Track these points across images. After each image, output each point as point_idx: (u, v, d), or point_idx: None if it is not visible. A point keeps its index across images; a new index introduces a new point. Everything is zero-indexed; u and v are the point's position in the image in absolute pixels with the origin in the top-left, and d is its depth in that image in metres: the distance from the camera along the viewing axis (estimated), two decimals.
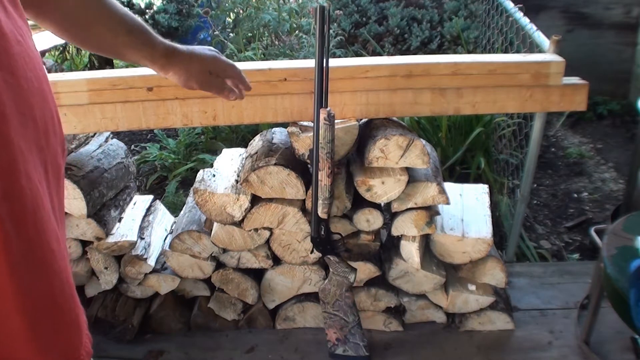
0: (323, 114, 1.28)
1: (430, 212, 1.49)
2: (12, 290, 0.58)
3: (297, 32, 3.34)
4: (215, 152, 2.50)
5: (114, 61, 4.35)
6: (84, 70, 4.07)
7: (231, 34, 3.67)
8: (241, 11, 3.73)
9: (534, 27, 1.84)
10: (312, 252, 1.50)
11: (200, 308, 1.70)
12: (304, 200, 1.48)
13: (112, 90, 1.39)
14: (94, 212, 1.54)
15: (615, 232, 1.39)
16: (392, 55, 3.18)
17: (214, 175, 1.57)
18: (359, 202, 1.49)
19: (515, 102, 1.44)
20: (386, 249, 1.65)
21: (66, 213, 1.52)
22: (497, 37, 2.55)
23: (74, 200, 1.48)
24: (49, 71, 3.23)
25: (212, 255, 1.59)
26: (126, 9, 0.96)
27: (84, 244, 1.61)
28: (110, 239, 1.59)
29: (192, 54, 1.07)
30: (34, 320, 0.61)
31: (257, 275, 1.65)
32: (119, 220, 1.67)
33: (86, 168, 1.54)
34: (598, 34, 3.48)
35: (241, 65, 1.45)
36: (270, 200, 1.49)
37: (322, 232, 1.42)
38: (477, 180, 2.44)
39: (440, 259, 1.58)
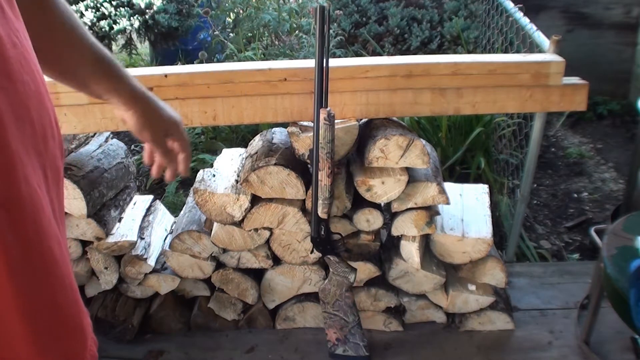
0: (323, 114, 1.28)
1: (430, 212, 1.49)
2: (12, 298, 0.57)
3: (297, 32, 3.34)
4: (215, 152, 2.50)
5: None
6: None
7: (231, 34, 3.66)
8: (241, 11, 3.73)
9: (534, 27, 1.84)
10: (312, 252, 1.50)
11: (200, 308, 1.70)
12: (304, 200, 1.48)
13: None
14: (94, 212, 1.54)
15: (615, 232, 1.39)
16: (392, 55, 3.18)
17: (214, 175, 1.57)
18: (359, 202, 1.49)
19: (515, 102, 1.44)
20: (386, 249, 1.65)
21: (66, 213, 1.52)
22: (497, 37, 2.55)
23: (74, 200, 1.48)
24: None
25: (212, 255, 1.59)
26: (96, 40, 0.89)
27: (84, 244, 1.61)
28: (110, 239, 1.59)
29: (160, 107, 0.98)
30: (36, 327, 0.61)
31: (257, 275, 1.65)
32: (119, 220, 1.67)
33: (86, 168, 1.54)
34: (598, 34, 3.47)
35: (241, 65, 1.46)
36: (270, 200, 1.49)
37: (322, 232, 1.42)
38: (477, 180, 2.44)
39: (440, 259, 1.58)
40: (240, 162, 1.65)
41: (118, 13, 3.59)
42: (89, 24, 3.54)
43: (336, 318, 1.51)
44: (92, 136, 1.73)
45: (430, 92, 1.42)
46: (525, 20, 1.98)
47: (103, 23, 3.56)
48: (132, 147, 3.08)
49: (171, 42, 3.94)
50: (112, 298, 1.67)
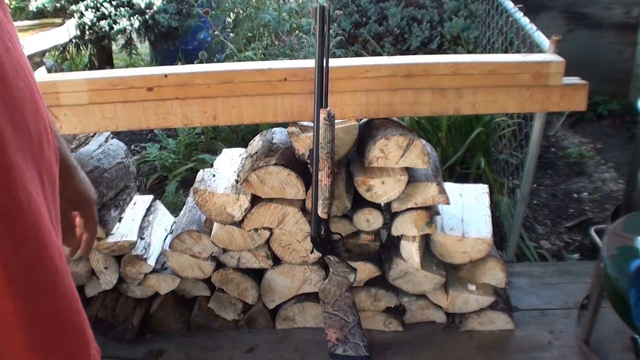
0: (323, 114, 1.28)
1: (430, 212, 1.49)
2: (14, 311, 0.56)
3: (297, 32, 3.34)
4: (215, 152, 2.50)
5: (114, 61, 4.36)
6: (84, 70, 4.07)
7: (231, 34, 3.66)
8: (241, 11, 3.73)
9: (534, 27, 1.84)
10: (312, 252, 1.50)
11: (200, 308, 1.70)
12: (304, 200, 1.48)
13: (112, 90, 1.39)
14: None
15: (615, 232, 1.39)
16: (392, 55, 3.18)
17: (214, 175, 1.57)
18: (359, 202, 1.49)
19: (515, 102, 1.44)
20: (386, 249, 1.65)
21: None
22: (497, 37, 2.55)
23: None
24: (49, 71, 3.24)
25: (212, 255, 1.59)
26: None
27: None
28: (110, 239, 1.59)
29: (76, 179, 0.86)
30: (38, 338, 0.59)
31: (257, 275, 1.65)
32: (119, 220, 1.67)
33: (86, 168, 1.54)
34: (598, 34, 3.47)
35: (241, 65, 1.46)
36: (270, 200, 1.49)
37: (322, 232, 1.42)
38: (477, 180, 2.44)
39: (440, 259, 1.58)
40: (240, 162, 1.65)
41: (118, 13, 3.59)
42: (89, 24, 3.54)
43: (336, 318, 1.51)
44: (92, 136, 1.73)
45: (430, 92, 1.42)
46: (525, 20, 1.98)
47: (103, 23, 3.55)
48: (132, 147, 3.09)
49: (171, 42, 3.94)
50: (112, 298, 1.67)
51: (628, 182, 2.09)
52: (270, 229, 1.53)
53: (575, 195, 2.64)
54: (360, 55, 3.22)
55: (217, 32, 3.27)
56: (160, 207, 1.87)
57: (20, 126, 0.58)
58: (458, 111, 1.46)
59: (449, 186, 1.63)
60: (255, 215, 1.49)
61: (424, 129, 2.62)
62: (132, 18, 3.62)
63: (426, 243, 1.58)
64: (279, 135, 1.59)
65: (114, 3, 3.60)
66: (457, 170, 2.56)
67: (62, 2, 3.58)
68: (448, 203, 1.48)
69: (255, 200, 1.50)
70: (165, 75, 1.38)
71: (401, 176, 1.42)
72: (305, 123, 1.46)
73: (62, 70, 3.72)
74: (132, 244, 1.60)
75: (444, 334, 1.66)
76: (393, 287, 1.63)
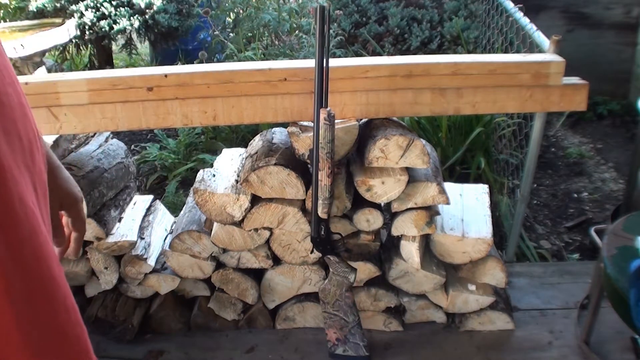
0: (323, 114, 1.28)
1: (430, 212, 1.49)
2: (14, 325, 0.54)
3: (297, 32, 3.34)
4: (215, 152, 2.50)
5: (114, 61, 4.36)
6: (84, 70, 4.07)
7: (231, 34, 3.67)
8: (241, 11, 3.73)
9: (534, 27, 1.84)
10: (312, 252, 1.50)
11: (200, 308, 1.70)
12: (304, 200, 1.48)
13: (112, 90, 1.39)
14: (94, 212, 1.54)
15: (615, 232, 1.39)
16: (392, 55, 3.18)
17: (214, 175, 1.57)
18: (359, 202, 1.49)
19: (515, 102, 1.44)
20: (386, 249, 1.65)
21: None
22: (497, 37, 2.55)
23: None
24: (49, 71, 3.24)
25: (212, 255, 1.59)
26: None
27: (84, 243, 1.60)
28: (110, 239, 1.59)
29: (60, 177, 0.84)
30: (39, 351, 0.58)
31: (257, 275, 1.65)
32: (119, 220, 1.67)
33: (86, 168, 1.54)
34: (598, 34, 3.47)
35: (241, 65, 1.46)
36: (270, 200, 1.49)
37: (322, 232, 1.42)
38: (477, 180, 2.44)
39: (440, 259, 1.58)
40: (240, 162, 1.65)
41: (118, 13, 3.59)
42: (89, 23, 3.54)
43: (336, 318, 1.51)
44: (92, 136, 1.73)
45: (430, 92, 1.42)
46: (525, 20, 1.98)
47: (103, 23, 3.55)
48: (132, 147, 3.09)
49: (171, 42, 3.94)
50: (112, 298, 1.67)
51: (628, 182, 2.09)
52: (270, 229, 1.53)
53: (575, 195, 2.64)
54: (360, 55, 3.22)
55: (217, 32, 3.27)
56: (160, 207, 1.87)
57: (11, 134, 0.57)
58: (458, 111, 1.46)
59: (449, 186, 1.63)
60: (255, 215, 1.49)
61: (424, 129, 2.62)
62: (132, 18, 3.62)
63: (426, 243, 1.58)
64: (279, 135, 1.59)
65: (114, 3, 3.60)
66: (457, 170, 2.56)
67: (62, 2, 3.58)
68: (448, 203, 1.48)
69: (255, 200, 1.50)
70: (165, 75, 1.38)
71: (401, 176, 1.42)
72: (305, 123, 1.46)
73: (62, 70, 3.72)
74: (132, 244, 1.60)
75: (444, 334, 1.66)
76: (393, 287, 1.63)
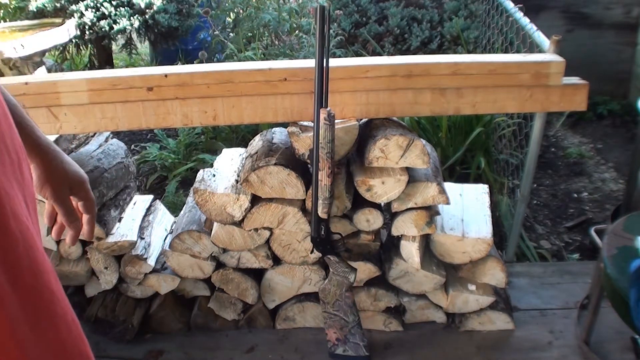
0: (323, 114, 1.28)
1: (430, 212, 1.49)
2: (13, 345, 0.53)
3: (297, 32, 3.34)
4: (215, 152, 2.50)
5: (114, 61, 4.36)
6: (84, 70, 4.07)
7: (231, 34, 3.66)
8: (241, 11, 3.73)
9: (534, 27, 1.84)
10: (312, 252, 1.50)
11: (200, 308, 1.70)
12: (304, 200, 1.48)
13: (112, 90, 1.39)
14: None
15: (615, 232, 1.39)
16: (392, 55, 3.18)
17: (214, 175, 1.57)
18: (359, 202, 1.49)
19: (515, 102, 1.44)
20: (386, 249, 1.65)
21: None
22: (497, 37, 2.55)
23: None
24: (49, 71, 3.24)
25: (212, 255, 1.59)
26: None
27: (84, 243, 1.61)
28: (110, 239, 1.59)
29: (64, 161, 0.86)
30: None
31: (257, 275, 1.65)
32: (119, 220, 1.67)
33: (86, 168, 1.54)
34: (598, 34, 3.47)
35: (241, 65, 1.46)
36: (270, 200, 1.49)
37: (322, 232, 1.42)
38: (477, 180, 2.44)
39: (440, 259, 1.58)
40: (240, 162, 1.65)
41: (118, 13, 3.59)
42: (89, 23, 3.54)
43: (336, 318, 1.51)
44: (92, 136, 1.73)
45: (430, 92, 1.42)
46: (525, 20, 1.98)
47: (103, 23, 3.55)
48: (132, 147, 3.09)
49: (171, 42, 3.94)
50: (112, 298, 1.67)
51: (628, 182, 2.09)
52: (270, 229, 1.53)
53: (575, 195, 2.64)
54: (360, 55, 3.23)
55: (217, 32, 3.27)
56: (160, 207, 1.87)
57: (0, 148, 0.56)
58: (458, 111, 1.46)
59: (449, 186, 1.63)
60: (255, 215, 1.49)
61: (424, 129, 2.62)
62: (132, 18, 3.62)
63: (426, 243, 1.58)
64: (279, 135, 1.59)
65: (114, 3, 3.60)
66: (457, 170, 2.56)
67: (62, 2, 3.58)
68: (448, 203, 1.48)
69: (255, 200, 1.50)
70: (165, 75, 1.38)
71: (401, 176, 1.42)
72: (305, 123, 1.46)
73: (62, 70, 3.72)
74: (132, 244, 1.60)
75: (444, 334, 1.66)
76: (393, 287, 1.63)
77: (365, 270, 1.58)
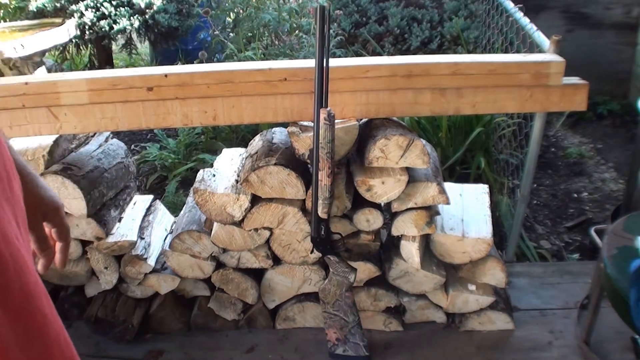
0: (323, 114, 1.28)
1: (431, 212, 1.49)
2: None
3: (297, 32, 3.34)
4: (215, 152, 2.50)
5: (114, 61, 4.36)
6: (84, 70, 4.07)
7: (231, 34, 3.66)
8: (241, 11, 3.73)
9: (534, 27, 1.84)
10: (312, 252, 1.50)
11: (200, 308, 1.70)
12: (304, 200, 1.48)
13: (112, 90, 1.39)
14: (94, 212, 1.54)
15: (615, 232, 1.39)
16: (392, 55, 3.18)
17: (214, 175, 1.57)
18: (359, 202, 1.49)
19: (515, 102, 1.44)
20: (386, 249, 1.65)
21: (66, 213, 1.52)
22: (497, 37, 2.55)
23: (73, 200, 1.48)
24: (49, 71, 3.24)
25: (212, 255, 1.59)
26: None
27: (84, 243, 1.61)
28: (110, 239, 1.59)
29: (39, 185, 0.80)
30: None
31: (257, 275, 1.65)
32: (119, 220, 1.67)
33: (86, 168, 1.54)
34: (598, 34, 3.47)
35: (241, 65, 1.46)
36: (270, 200, 1.49)
37: (322, 232, 1.42)
38: (477, 180, 2.44)
39: (440, 259, 1.58)
40: (240, 162, 1.65)
41: (118, 13, 3.59)
42: (89, 23, 3.54)
43: (336, 318, 1.51)
44: (92, 136, 1.73)
45: (430, 92, 1.42)
46: (525, 20, 1.98)
47: (103, 23, 3.55)
48: (132, 147, 3.09)
49: (171, 42, 3.94)
50: (112, 298, 1.67)
51: (628, 182, 2.09)
52: (270, 229, 1.53)
53: (575, 195, 2.64)
54: (360, 55, 3.23)
55: (217, 32, 3.27)
56: (160, 207, 1.87)
57: None
58: (458, 111, 1.46)
59: (449, 186, 1.63)
60: (255, 215, 1.49)
61: (424, 129, 2.62)
62: (132, 18, 3.62)
63: (426, 243, 1.58)
64: (279, 135, 1.59)
65: (114, 3, 3.60)
66: (457, 170, 2.56)
67: (62, 2, 3.58)
68: (448, 203, 1.48)
69: (255, 200, 1.50)
70: (165, 75, 1.38)
71: (401, 176, 1.42)
72: (305, 123, 1.46)
73: (62, 70, 3.72)
74: (132, 244, 1.60)
75: (444, 334, 1.66)
76: (393, 287, 1.63)
77: (365, 270, 1.58)
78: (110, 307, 1.65)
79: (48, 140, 1.54)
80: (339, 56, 3.04)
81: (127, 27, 3.60)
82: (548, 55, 1.53)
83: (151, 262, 1.63)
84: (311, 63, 1.34)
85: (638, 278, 1.21)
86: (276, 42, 3.39)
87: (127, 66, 4.41)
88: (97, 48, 4.06)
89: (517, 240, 2.00)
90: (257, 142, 1.60)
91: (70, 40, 3.38)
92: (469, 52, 3.06)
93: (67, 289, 1.73)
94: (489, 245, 1.52)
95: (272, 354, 1.62)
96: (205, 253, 1.58)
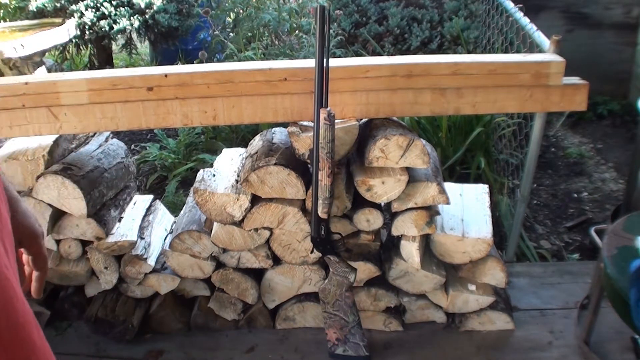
0: (323, 114, 1.28)
1: (431, 212, 1.49)
2: None
3: (297, 32, 3.34)
4: (215, 152, 2.50)
5: (114, 61, 4.36)
6: (84, 70, 4.07)
7: (231, 34, 3.66)
8: (241, 11, 3.73)
9: (534, 27, 1.84)
10: (312, 252, 1.50)
11: (200, 308, 1.70)
12: (304, 200, 1.48)
13: (112, 90, 1.39)
14: (94, 212, 1.55)
15: (615, 232, 1.39)
16: (392, 55, 3.18)
17: (214, 175, 1.57)
18: (359, 202, 1.49)
19: (515, 102, 1.44)
20: (386, 249, 1.65)
21: (66, 213, 1.52)
22: (497, 37, 2.55)
23: (74, 200, 1.48)
24: (49, 71, 3.24)
25: (212, 255, 1.59)
26: None
27: (84, 243, 1.61)
28: (110, 239, 1.59)
29: (19, 211, 0.77)
30: None
31: (257, 275, 1.65)
32: (119, 220, 1.67)
33: (86, 168, 1.54)
34: (598, 34, 3.47)
35: (241, 65, 1.46)
36: (270, 200, 1.49)
37: (322, 232, 1.42)
38: (477, 180, 2.44)
39: (440, 259, 1.58)
40: (240, 162, 1.65)
41: (118, 13, 3.59)
42: (89, 23, 3.54)
43: (336, 318, 1.51)
44: (92, 136, 1.73)
45: (430, 92, 1.42)
46: (525, 20, 1.98)
47: (103, 23, 3.55)
48: (132, 147, 3.09)
49: (171, 42, 3.94)
50: (112, 298, 1.67)
51: (628, 182, 2.09)
52: (270, 229, 1.53)
53: (575, 195, 2.64)
54: (360, 55, 3.23)
55: (217, 32, 3.27)
56: (160, 207, 1.87)
57: None
58: (458, 111, 1.46)
59: (449, 186, 1.63)
60: (255, 215, 1.49)
61: (424, 129, 2.62)
62: (132, 18, 3.62)
63: (426, 243, 1.58)
64: (279, 135, 1.59)
65: (114, 3, 3.60)
66: (457, 170, 2.56)
67: (62, 2, 3.58)
68: (448, 203, 1.48)
69: (255, 200, 1.50)
70: (165, 75, 1.38)
71: (401, 176, 1.42)
72: (305, 123, 1.46)
73: (62, 70, 3.72)
74: (132, 244, 1.60)
75: (444, 334, 1.66)
76: (393, 287, 1.63)
77: (365, 270, 1.58)
78: (110, 307, 1.65)
79: (48, 140, 1.54)
80: (339, 56, 3.04)
81: (127, 27, 3.60)
82: (548, 55, 1.53)
83: (151, 262, 1.63)
84: (311, 63, 1.34)
85: (638, 278, 1.21)
86: (276, 42, 3.39)
87: (127, 66, 4.41)
88: (97, 48, 4.06)
89: (517, 240, 2.00)
90: (257, 142, 1.60)
91: (70, 40, 3.38)
92: (469, 52, 3.07)
93: (67, 289, 1.73)
94: (489, 245, 1.52)
95: (272, 354, 1.62)
96: (205, 253, 1.58)
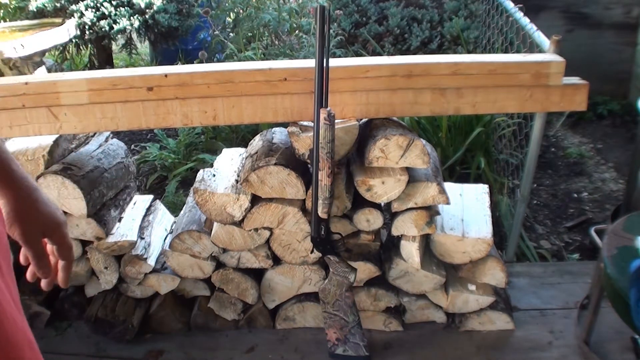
0: (323, 114, 1.28)
1: (431, 212, 1.49)
2: None
3: (297, 32, 3.34)
4: (215, 152, 2.50)
5: (114, 61, 4.36)
6: (83, 70, 4.07)
7: (231, 34, 3.66)
8: (241, 11, 3.73)
9: (534, 27, 1.84)
10: (312, 252, 1.50)
11: (200, 308, 1.70)
12: (304, 200, 1.48)
13: (112, 90, 1.39)
14: (94, 212, 1.55)
15: (615, 232, 1.39)
16: (392, 55, 3.18)
17: (214, 175, 1.57)
18: (359, 202, 1.49)
19: (515, 102, 1.44)
20: (386, 249, 1.65)
21: (66, 213, 1.52)
22: (497, 37, 2.55)
23: (74, 200, 1.48)
24: (49, 71, 3.24)
25: (212, 255, 1.59)
26: None
27: (84, 243, 1.61)
28: (110, 239, 1.59)
29: (39, 200, 0.76)
30: None
31: (257, 275, 1.65)
32: (119, 220, 1.67)
33: (86, 168, 1.54)
34: (598, 34, 3.47)
35: (241, 65, 1.46)
36: (270, 200, 1.49)
37: (322, 232, 1.42)
38: (477, 180, 2.44)
39: (440, 259, 1.58)
40: (240, 162, 1.65)
41: (118, 13, 3.59)
42: (89, 23, 3.54)
43: (336, 318, 1.51)
44: (92, 136, 1.73)
45: (430, 92, 1.42)
46: (525, 20, 1.98)
47: (103, 23, 3.55)
48: (132, 147, 3.09)
49: (171, 42, 3.94)
50: (112, 298, 1.67)
51: (628, 182, 2.09)
52: (270, 229, 1.53)
53: (575, 195, 2.64)
54: (360, 55, 3.23)
55: (217, 32, 3.27)
56: (160, 207, 1.87)
57: None
58: (458, 111, 1.46)
59: (449, 186, 1.63)
60: (255, 215, 1.49)
61: (424, 129, 2.62)
62: (132, 18, 3.62)
63: (426, 243, 1.58)
64: (279, 135, 1.59)
65: (114, 3, 3.60)
66: (457, 170, 2.56)
67: (62, 2, 3.58)
68: (448, 203, 1.48)
69: (255, 200, 1.50)
70: (165, 75, 1.38)
71: (401, 176, 1.42)
72: (305, 123, 1.46)
73: (62, 70, 3.72)
74: (132, 244, 1.60)
75: (444, 334, 1.66)
76: (393, 287, 1.63)
77: (365, 270, 1.58)
78: (110, 307, 1.65)
79: (48, 140, 1.54)
80: (339, 56, 3.04)
81: (127, 27, 3.60)
82: (548, 55, 1.53)
83: (151, 262, 1.63)
84: (311, 63, 1.34)
85: (638, 278, 1.21)
86: (276, 42, 3.39)
87: (127, 66, 4.41)
88: (97, 48, 4.06)
89: (517, 240, 2.00)
90: (257, 142, 1.60)
91: (70, 40, 3.38)
92: (469, 52, 3.07)
93: (67, 289, 1.73)
94: (489, 245, 1.52)
95: (272, 354, 1.62)
96: (205, 253, 1.58)
